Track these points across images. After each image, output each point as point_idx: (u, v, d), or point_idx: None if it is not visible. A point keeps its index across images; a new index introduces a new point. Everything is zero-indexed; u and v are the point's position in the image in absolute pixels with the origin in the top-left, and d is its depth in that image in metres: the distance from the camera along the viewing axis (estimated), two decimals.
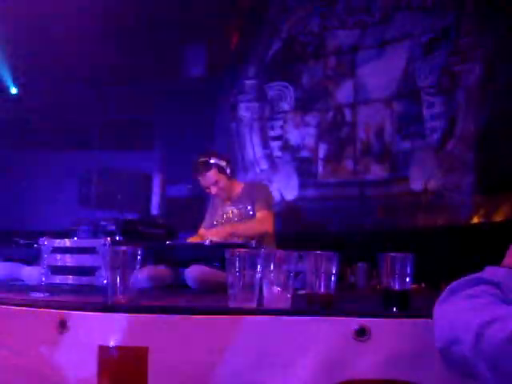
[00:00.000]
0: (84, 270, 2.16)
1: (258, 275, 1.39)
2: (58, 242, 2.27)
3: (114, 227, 2.37)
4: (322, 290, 1.41)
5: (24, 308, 1.43)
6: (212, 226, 3.15)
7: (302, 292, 1.53)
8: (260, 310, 1.35)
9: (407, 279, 1.38)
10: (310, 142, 5.17)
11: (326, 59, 5.19)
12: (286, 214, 4.89)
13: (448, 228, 4.20)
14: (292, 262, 1.41)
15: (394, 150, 4.73)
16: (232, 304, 1.38)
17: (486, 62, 4.27)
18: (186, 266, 2.31)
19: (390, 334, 1.25)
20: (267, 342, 1.27)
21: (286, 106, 5.35)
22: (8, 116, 5.04)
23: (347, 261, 3.14)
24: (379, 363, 1.23)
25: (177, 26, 5.17)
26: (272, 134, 5.38)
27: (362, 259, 3.22)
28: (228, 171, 3.10)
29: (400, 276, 1.38)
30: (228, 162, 3.13)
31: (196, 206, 3.85)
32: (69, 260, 2.23)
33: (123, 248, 1.44)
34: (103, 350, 1.29)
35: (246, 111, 5.54)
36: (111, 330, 1.31)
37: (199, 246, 2.43)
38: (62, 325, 1.34)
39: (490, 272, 0.99)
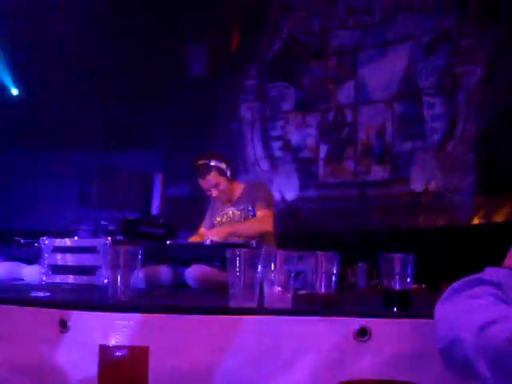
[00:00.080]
0: (84, 270, 2.17)
1: (259, 275, 1.39)
2: (59, 242, 2.28)
3: (114, 227, 2.37)
4: (323, 290, 1.41)
5: (25, 307, 1.43)
6: (212, 226, 3.15)
7: (302, 292, 1.53)
8: (260, 310, 1.35)
9: (408, 279, 1.39)
10: (310, 142, 5.17)
11: (326, 60, 5.19)
12: (286, 215, 4.89)
13: (448, 229, 4.20)
14: (293, 262, 1.41)
15: (395, 150, 4.73)
16: (233, 304, 1.38)
17: (487, 63, 4.27)
18: (187, 265, 2.32)
19: (390, 334, 1.25)
20: (268, 342, 1.27)
21: (286, 107, 5.34)
22: (8, 116, 5.04)
23: (348, 261, 3.14)
24: (379, 363, 1.23)
25: (178, 25, 5.17)
26: (273, 134, 5.37)
27: (363, 259, 3.22)
28: (228, 173, 3.09)
29: (400, 276, 1.38)
30: (228, 164, 3.12)
31: (196, 206, 3.85)
32: (69, 259, 2.23)
33: (124, 247, 1.44)
34: (104, 349, 1.29)
35: (246, 111, 5.54)
36: (112, 329, 1.31)
37: (200, 246, 2.43)
38: (63, 324, 1.35)
39: (490, 273, 0.99)
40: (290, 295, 1.41)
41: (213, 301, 1.77)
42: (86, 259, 2.19)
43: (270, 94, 5.44)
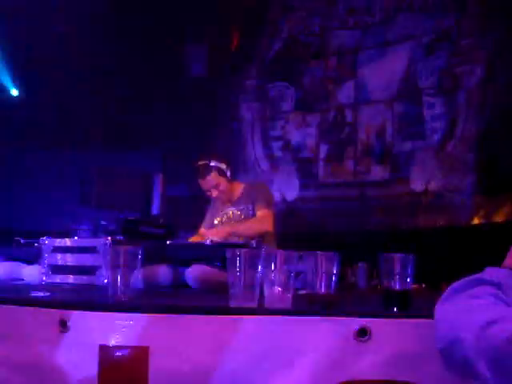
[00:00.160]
0: (85, 270, 2.16)
1: (259, 275, 1.39)
2: (59, 242, 2.28)
3: (114, 227, 2.37)
4: (323, 290, 1.41)
5: (25, 307, 1.43)
6: (212, 226, 3.15)
7: (302, 292, 1.53)
8: (261, 310, 1.35)
9: (408, 279, 1.39)
10: (310, 142, 5.17)
11: (326, 59, 5.19)
12: (286, 215, 4.89)
13: (448, 229, 4.20)
14: (293, 262, 1.41)
15: (395, 150, 4.73)
16: (233, 304, 1.38)
17: (487, 63, 4.27)
18: (187, 265, 2.31)
19: (390, 334, 1.25)
20: (268, 342, 1.27)
21: (286, 107, 5.34)
22: (8, 116, 5.04)
23: (348, 261, 3.14)
24: (380, 363, 1.23)
25: (178, 25, 5.16)
26: (273, 134, 5.37)
27: (363, 259, 3.22)
28: (228, 174, 3.09)
29: (400, 276, 1.38)
30: (228, 165, 3.12)
31: (196, 206, 3.85)
32: (69, 259, 2.23)
33: (124, 247, 1.44)
34: (104, 349, 1.29)
35: (246, 111, 5.54)
36: (112, 329, 1.31)
37: (200, 246, 2.43)
38: (63, 324, 1.34)
39: (490, 273, 0.99)
40: (290, 295, 1.41)
41: (213, 301, 1.77)
42: (86, 259, 2.19)
43: (270, 94, 5.44)
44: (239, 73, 5.57)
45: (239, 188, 3.18)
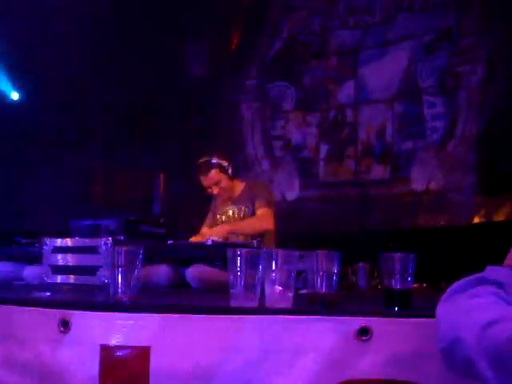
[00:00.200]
0: (85, 270, 2.16)
1: (260, 275, 1.39)
2: (60, 242, 2.28)
3: (115, 226, 2.37)
4: (324, 289, 1.41)
5: (26, 307, 1.43)
6: (213, 225, 3.15)
7: (303, 291, 1.53)
8: (261, 310, 1.35)
9: (408, 279, 1.38)
10: (311, 141, 5.17)
11: (327, 59, 5.19)
12: (287, 214, 4.89)
13: (449, 228, 4.21)
14: (293, 262, 1.41)
15: (395, 150, 4.73)
16: (234, 303, 1.38)
17: (488, 62, 4.27)
18: (188, 265, 2.32)
19: (391, 333, 1.25)
20: (269, 342, 1.27)
21: (287, 106, 5.35)
22: (8, 116, 5.04)
23: (348, 260, 3.14)
24: (381, 363, 1.23)
25: (178, 25, 5.16)
26: (273, 133, 5.38)
27: (363, 259, 3.22)
28: (229, 171, 3.11)
29: (401, 276, 1.38)
30: (229, 162, 3.14)
31: (197, 206, 3.85)
32: (70, 259, 2.23)
33: (125, 247, 1.44)
34: (105, 349, 1.29)
35: (247, 111, 5.54)
36: (113, 329, 1.31)
37: (201, 246, 2.43)
38: (64, 324, 1.35)
39: (491, 272, 0.99)
40: (290, 295, 1.41)
41: (214, 301, 1.77)
42: (87, 259, 2.18)
43: (270, 93, 5.45)
44: (239, 72, 5.57)
45: (240, 186, 3.19)
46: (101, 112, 5.24)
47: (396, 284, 1.38)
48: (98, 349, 1.30)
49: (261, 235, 2.85)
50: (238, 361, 1.27)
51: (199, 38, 5.46)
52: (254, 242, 2.34)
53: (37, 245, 2.41)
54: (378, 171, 4.79)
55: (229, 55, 5.59)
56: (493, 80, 4.23)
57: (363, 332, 1.24)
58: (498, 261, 1.06)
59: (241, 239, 2.90)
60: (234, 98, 5.58)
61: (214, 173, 3.05)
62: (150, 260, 2.18)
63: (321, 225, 4.91)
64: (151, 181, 5.77)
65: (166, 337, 1.30)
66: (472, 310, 0.90)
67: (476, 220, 4.16)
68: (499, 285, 0.94)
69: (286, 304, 1.39)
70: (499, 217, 4.04)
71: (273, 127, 5.39)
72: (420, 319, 1.24)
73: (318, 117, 5.18)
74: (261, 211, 3.00)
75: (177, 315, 1.31)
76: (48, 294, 1.71)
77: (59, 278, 2.23)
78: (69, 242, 2.30)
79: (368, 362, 1.23)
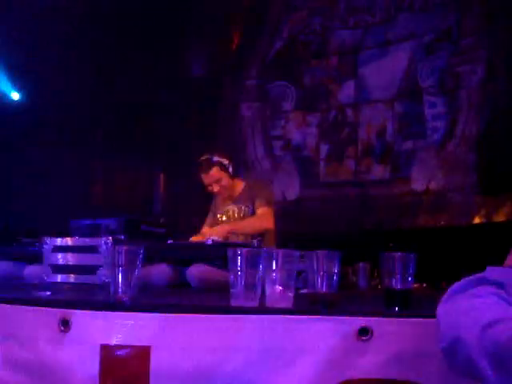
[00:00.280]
0: (86, 269, 2.16)
1: (260, 274, 1.39)
2: (60, 241, 2.28)
3: (115, 226, 2.37)
4: (324, 289, 1.41)
5: (26, 307, 1.43)
6: (214, 225, 3.15)
7: (303, 291, 1.53)
8: (262, 309, 1.35)
9: (409, 279, 1.39)
10: (311, 141, 5.18)
11: (327, 59, 5.20)
12: (287, 214, 4.89)
13: (449, 228, 4.21)
14: (294, 261, 1.41)
15: (396, 150, 4.73)
16: (234, 303, 1.38)
17: (488, 62, 4.27)
18: (188, 265, 2.32)
19: (391, 333, 1.25)
20: (269, 341, 1.27)
21: (287, 106, 5.35)
22: (8, 115, 5.04)
23: (348, 260, 3.14)
24: (381, 363, 1.23)
25: (178, 25, 5.16)
26: (273, 133, 5.38)
27: (364, 259, 3.22)
28: (230, 170, 3.13)
29: (402, 276, 1.38)
30: (230, 161, 3.16)
31: (197, 206, 3.85)
32: (70, 259, 2.23)
33: (125, 247, 1.44)
34: (105, 348, 1.29)
35: (247, 111, 5.54)
36: (113, 328, 1.31)
37: (201, 246, 2.43)
38: (64, 323, 1.34)
39: (492, 272, 0.99)
40: (291, 294, 1.41)
41: (214, 300, 1.77)
42: (87, 258, 2.18)
43: (270, 93, 5.45)
44: (240, 72, 5.57)
45: (240, 185, 3.20)
46: (101, 112, 5.24)
47: (396, 284, 1.38)
48: (98, 348, 1.30)
49: (261, 235, 2.85)
50: (238, 360, 1.27)
51: (199, 37, 5.46)
52: (255, 241, 2.34)
53: (37, 244, 2.41)
54: (378, 171, 4.80)
55: (229, 55, 5.59)
56: (493, 80, 4.23)
57: (363, 332, 1.24)
58: (498, 261, 1.06)
59: (241, 239, 2.91)
60: (234, 98, 5.58)
61: (214, 170, 3.08)
62: (150, 260, 2.18)
63: (321, 225, 4.91)
64: (151, 181, 5.78)
65: (166, 336, 1.30)
66: (472, 310, 0.90)
67: (476, 220, 4.16)
68: (500, 285, 0.94)
69: (287, 304, 1.39)
70: (499, 217, 4.04)
71: (273, 127, 5.39)
72: (420, 319, 1.24)
73: (319, 117, 5.18)
74: (261, 210, 3.00)
75: (177, 315, 1.31)
76: (48, 293, 1.70)
77: (59, 278, 2.23)
78: (69, 241, 2.30)
79: (368, 362, 1.23)
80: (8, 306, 1.45)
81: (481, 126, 4.27)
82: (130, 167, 5.40)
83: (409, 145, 4.66)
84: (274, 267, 1.39)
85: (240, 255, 1.38)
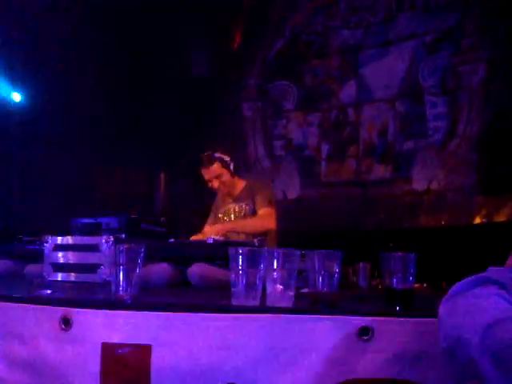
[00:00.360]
0: (87, 268, 2.17)
1: (261, 273, 1.39)
2: (61, 240, 2.28)
3: (116, 225, 2.37)
4: (325, 288, 1.41)
5: (27, 305, 1.43)
6: (215, 223, 3.16)
7: (304, 291, 1.53)
8: (263, 308, 1.35)
9: (410, 278, 1.39)
10: (312, 141, 5.18)
11: (329, 58, 5.19)
12: (288, 213, 4.89)
13: (450, 228, 4.20)
14: (295, 261, 1.41)
15: (397, 149, 4.73)
16: (235, 302, 1.38)
17: (489, 62, 4.27)
18: (189, 263, 2.32)
19: (392, 333, 1.25)
20: (270, 340, 1.27)
21: (288, 105, 5.35)
22: (8, 115, 5.04)
23: (349, 260, 3.14)
24: (382, 362, 1.23)
25: (179, 25, 5.16)
26: (274, 133, 5.38)
27: (364, 258, 3.22)
28: (231, 167, 3.16)
29: (403, 275, 1.38)
30: (231, 159, 3.19)
31: (198, 205, 3.85)
32: (71, 257, 2.23)
33: (126, 246, 1.44)
34: (107, 347, 1.29)
35: (248, 110, 5.54)
36: (115, 327, 1.31)
37: (202, 244, 2.43)
38: (66, 322, 1.35)
39: (494, 272, 0.99)
40: (292, 294, 1.41)
41: (215, 299, 1.77)
42: (88, 257, 2.19)
43: (271, 93, 5.45)
44: (241, 72, 5.57)
45: (241, 184, 3.22)
46: (101, 112, 5.24)
47: (397, 284, 1.38)
48: (99, 347, 1.30)
49: (263, 234, 2.85)
50: (238, 359, 1.27)
51: (201, 37, 5.46)
52: (255, 240, 2.33)
53: (38, 242, 2.41)
54: (380, 171, 4.79)
55: (230, 54, 5.59)
56: (495, 80, 4.23)
57: (364, 331, 1.24)
58: (499, 261, 1.06)
59: (242, 237, 2.91)
60: (235, 98, 5.58)
61: (215, 166, 3.13)
62: (150, 258, 2.18)
63: (322, 224, 4.91)
64: (151, 180, 5.78)
65: (167, 335, 1.30)
66: (474, 310, 0.90)
67: (477, 220, 4.16)
68: (501, 285, 0.94)
69: (287, 303, 1.39)
70: (500, 217, 4.04)
71: (274, 126, 5.39)
72: (421, 319, 1.25)
73: (320, 116, 5.18)
74: (263, 211, 3.01)
75: (178, 314, 1.32)
76: (49, 291, 1.71)
77: (60, 276, 2.23)
78: (70, 239, 2.30)
79: (369, 362, 1.23)
80: (9, 304, 1.45)
81: (482, 125, 4.27)
82: (130, 167, 5.40)
83: (410, 145, 4.65)
84: (274, 266, 1.40)
85: (241, 254, 1.38)
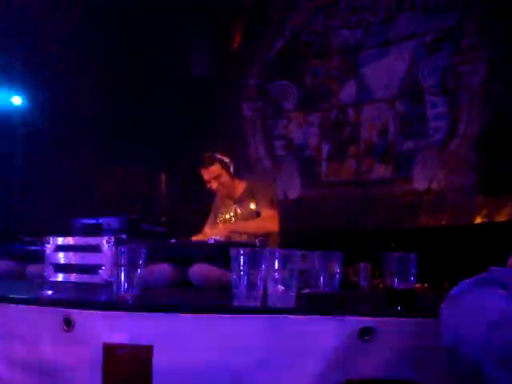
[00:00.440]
0: (88, 268, 2.17)
1: (262, 274, 1.39)
2: (62, 240, 2.28)
3: (117, 225, 2.37)
4: (326, 289, 1.41)
5: (28, 306, 1.44)
6: (215, 225, 3.16)
7: (305, 291, 1.53)
8: (264, 309, 1.35)
9: (411, 279, 1.39)
10: (312, 141, 5.18)
11: (329, 58, 5.20)
12: (288, 213, 4.89)
13: (451, 228, 4.21)
14: (296, 261, 1.41)
15: (397, 149, 4.73)
16: (236, 303, 1.38)
17: (489, 62, 4.27)
18: (190, 264, 2.32)
19: (393, 333, 1.25)
20: (271, 341, 1.27)
21: (288, 105, 5.35)
22: (8, 115, 5.04)
23: (350, 260, 3.14)
24: (383, 362, 1.23)
25: (179, 25, 5.16)
26: (275, 133, 5.38)
27: (365, 259, 3.22)
28: (231, 168, 3.15)
29: (403, 275, 1.38)
30: (231, 161, 3.19)
31: (198, 205, 3.85)
32: (72, 258, 2.23)
33: (127, 246, 1.44)
34: (108, 348, 1.29)
35: (248, 110, 5.54)
36: (116, 327, 1.31)
37: (203, 245, 2.43)
38: (67, 323, 1.35)
39: (495, 273, 0.99)
40: (293, 294, 1.41)
41: (216, 300, 1.77)
42: (90, 258, 2.19)
43: (271, 93, 5.45)
44: (241, 72, 5.57)
45: (242, 186, 3.21)
46: (101, 112, 5.24)
47: (398, 284, 1.38)
48: (100, 347, 1.30)
49: (266, 236, 2.85)
50: (240, 360, 1.27)
51: (201, 37, 5.46)
52: (257, 241, 2.33)
53: (39, 243, 2.41)
54: (380, 171, 4.80)
55: (230, 54, 5.59)
56: (495, 80, 4.23)
57: (365, 332, 1.24)
58: (500, 261, 1.06)
59: (244, 238, 2.91)
60: (235, 98, 5.58)
61: (215, 167, 3.12)
62: (151, 259, 2.18)
63: (322, 224, 4.92)
64: (151, 180, 5.78)
65: (168, 336, 1.30)
66: (476, 310, 0.90)
67: (478, 220, 4.16)
68: (503, 286, 0.95)
69: (289, 304, 1.39)
70: (501, 217, 4.04)
71: (275, 126, 5.39)
72: (422, 319, 1.25)
73: (320, 116, 5.19)
74: (265, 213, 3.01)
75: (179, 314, 1.32)
76: (50, 292, 1.71)
77: (61, 277, 2.23)
78: (71, 240, 2.30)
79: (370, 362, 1.23)
80: (11, 305, 1.45)
81: (482, 125, 4.27)
82: (130, 167, 5.40)
83: (410, 144, 4.66)
84: (276, 267, 1.39)
85: (242, 255, 1.38)
